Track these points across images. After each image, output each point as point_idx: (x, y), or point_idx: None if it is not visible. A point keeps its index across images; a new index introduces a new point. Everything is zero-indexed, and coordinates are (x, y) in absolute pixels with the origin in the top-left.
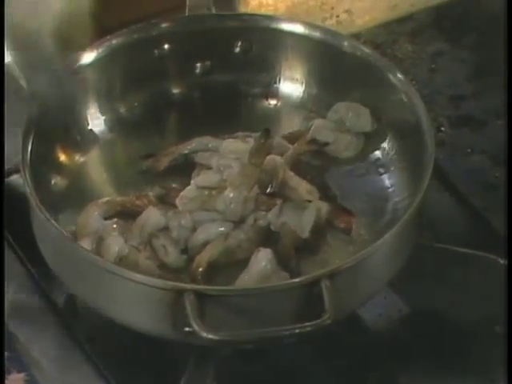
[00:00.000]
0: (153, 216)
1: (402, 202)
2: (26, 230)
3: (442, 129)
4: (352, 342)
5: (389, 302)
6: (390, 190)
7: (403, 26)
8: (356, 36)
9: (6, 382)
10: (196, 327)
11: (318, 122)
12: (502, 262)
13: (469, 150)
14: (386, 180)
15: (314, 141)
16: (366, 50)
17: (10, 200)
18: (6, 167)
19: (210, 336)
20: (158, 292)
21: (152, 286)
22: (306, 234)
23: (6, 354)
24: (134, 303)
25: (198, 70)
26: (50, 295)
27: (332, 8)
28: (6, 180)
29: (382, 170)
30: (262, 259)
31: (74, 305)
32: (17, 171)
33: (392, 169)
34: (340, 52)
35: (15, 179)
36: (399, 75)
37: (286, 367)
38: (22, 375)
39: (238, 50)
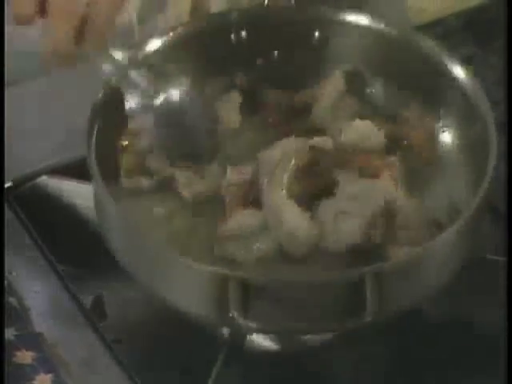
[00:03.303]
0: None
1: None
2: (54, 230)
3: None
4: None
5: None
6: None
7: (433, 31)
8: None
9: (33, 382)
10: (236, 314)
11: None
12: None
13: None
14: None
15: None
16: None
17: (39, 201)
18: (34, 169)
19: (250, 324)
20: (206, 277)
21: (202, 271)
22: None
23: (33, 354)
24: (187, 286)
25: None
26: (77, 296)
27: None
28: (33, 182)
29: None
30: None
31: (101, 306)
32: (46, 173)
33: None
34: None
35: (43, 180)
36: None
37: (314, 369)
38: (49, 376)
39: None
